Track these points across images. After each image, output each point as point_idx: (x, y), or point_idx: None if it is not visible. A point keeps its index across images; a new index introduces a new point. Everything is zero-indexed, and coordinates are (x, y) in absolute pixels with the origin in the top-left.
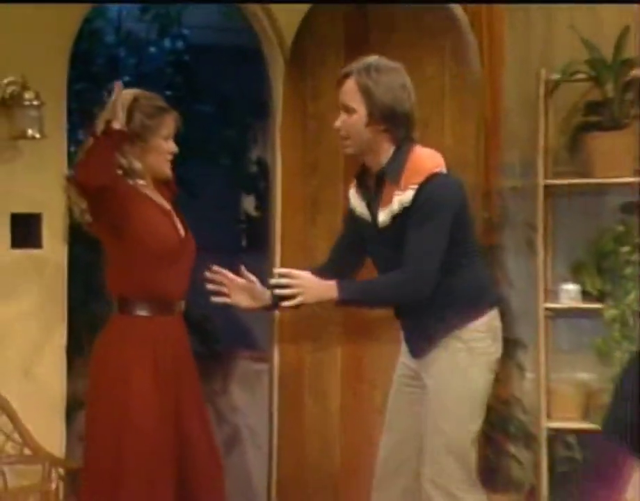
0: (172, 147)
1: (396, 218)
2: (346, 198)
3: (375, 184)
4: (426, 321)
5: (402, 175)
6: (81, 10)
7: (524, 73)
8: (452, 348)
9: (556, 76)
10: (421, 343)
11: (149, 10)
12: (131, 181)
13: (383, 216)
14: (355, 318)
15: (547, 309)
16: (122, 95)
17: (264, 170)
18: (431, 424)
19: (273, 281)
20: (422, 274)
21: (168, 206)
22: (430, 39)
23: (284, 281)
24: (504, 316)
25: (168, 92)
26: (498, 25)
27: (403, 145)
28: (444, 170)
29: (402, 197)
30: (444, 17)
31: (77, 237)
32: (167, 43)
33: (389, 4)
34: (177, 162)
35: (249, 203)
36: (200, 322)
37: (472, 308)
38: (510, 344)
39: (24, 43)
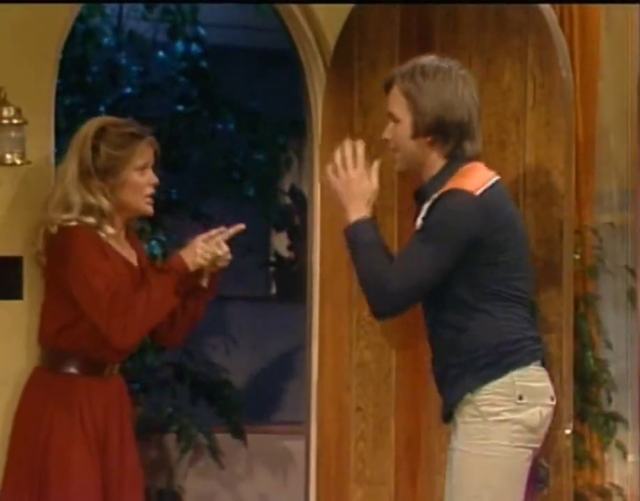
0: (150, 179)
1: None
2: (403, 236)
3: (417, 204)
4: (445, 378)
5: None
6: (72, 5)
7: (623, 82)
8: (465, 417)
9: None
10: (443, 405)
11: (156, 5)
12: (102, 233)
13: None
14: (414, 380)
15: None
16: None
17: (300, 202)
18: None
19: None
20: (393, 289)
21: (135, 261)
22: (509, 38)
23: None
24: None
25: (181, 107)
26: (592, 22)
27: (453, 161)
28: (474, 190)
29: (423, 213)
30: (526, 11)
31: None
32: (179, 46)
33: None
34: (192, 193)
35: (280, 242)
36: (218, 388)
37: (488, 367)
38: (607, 419)
39: (1, 47)
